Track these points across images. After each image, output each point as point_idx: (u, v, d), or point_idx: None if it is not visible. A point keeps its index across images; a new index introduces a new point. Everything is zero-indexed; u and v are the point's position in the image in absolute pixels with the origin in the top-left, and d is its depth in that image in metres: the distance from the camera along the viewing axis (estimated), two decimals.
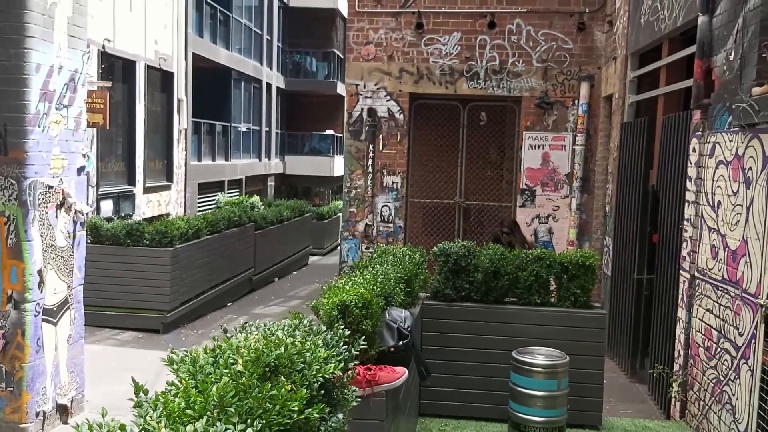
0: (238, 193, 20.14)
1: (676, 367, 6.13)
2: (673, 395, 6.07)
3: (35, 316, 5.75)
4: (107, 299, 9.60)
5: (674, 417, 6.07)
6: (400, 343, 3.80)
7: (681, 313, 6.11)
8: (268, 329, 2.45)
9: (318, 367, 2.06)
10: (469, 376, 5.76)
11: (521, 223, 10.38)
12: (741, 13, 5.25)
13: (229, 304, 12.08)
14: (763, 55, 4.89)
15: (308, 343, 2.19)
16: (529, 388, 5.17)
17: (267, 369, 1.95)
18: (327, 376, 2.08)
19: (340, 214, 21.57)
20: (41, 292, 5.81)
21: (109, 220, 11.01)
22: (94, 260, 8.45)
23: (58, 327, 6.09)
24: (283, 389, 1.79)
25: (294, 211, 16.59)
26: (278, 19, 24.53)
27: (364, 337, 2.87)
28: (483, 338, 5.74)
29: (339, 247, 11.33)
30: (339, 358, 2.25)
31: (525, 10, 10.22)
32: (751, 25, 5.06)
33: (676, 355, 6.17)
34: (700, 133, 5.95)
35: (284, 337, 2.18)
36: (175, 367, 2.02)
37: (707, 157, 5.78)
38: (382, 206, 10.66)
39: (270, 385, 1.80)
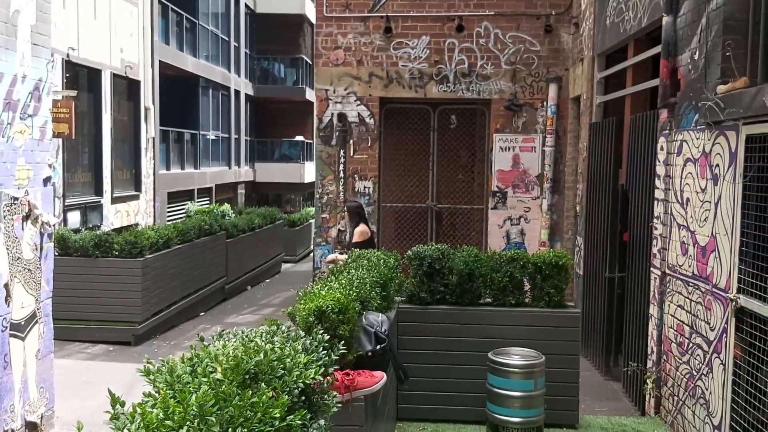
0: (208, 202, 19.96)
1: (649, 364, 6.19)
2: (647, 392, 6.14)
3: (2, 331, 5.62)
4: (76, 312, 9.42)
5: (649, 413, 6.13)
6: (378, 347, 3.78)
7: (653, 310, 6.18)
8: (246, 336, 2.41)
9: (298, 372, 2.02)
10: (446, 379, 5.75)
11: (493, 226, 10.45)
12: (704, 12, 5.34)
13: (201, 313, 11.94)
14: (727, 54, 4.97)
15: (287, 348, 2.16)
16: (506, 389, 5.18)
17: (247, 376, 1.92)
18: (308, 381, 2.05)
19: (312, 221, 21.51)
20: (8, 306, 5.68)
21: (76, 231, 10.82)
22: (63, 272, 8.29)
23: (26, 342, 5.96)
24: (264, 396, 1.75)
25: (265, 218, 16.48)
26: (245, 26, 24.39)
27: (342, 342, 2.83)
28: (459, 340, 5.74)
29: (312, 254, 11.27)
30: (319, 363, 2.22)
31: (492, 13, 10.30)
32: (715, 24, 5.14)
33: (649, 351, 6.23)
34: (667, 131, 6.03)
35: (263, 343, 2.15)
36: (151, 377, 1.97)
37: (675, 155, 5.86)
38: None
39: (251, 392, 1.77)
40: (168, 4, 17.69)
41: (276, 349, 2.10)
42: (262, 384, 1.89)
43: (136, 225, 15.17)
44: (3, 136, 5.65)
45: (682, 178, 5.68)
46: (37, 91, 6.15)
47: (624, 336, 6.97)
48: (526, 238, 10.37)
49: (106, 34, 14.15)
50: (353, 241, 8.48)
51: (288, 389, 1.93)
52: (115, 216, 14.47)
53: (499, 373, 5.21)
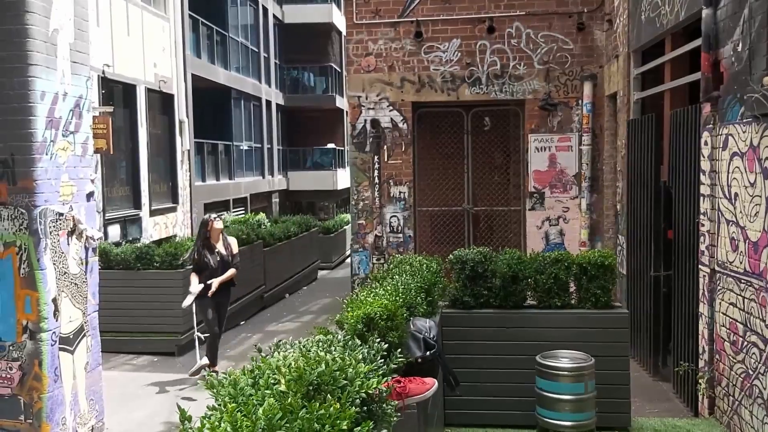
0: (243, 212, 20.12)
1: (701, 364, 6.05)
2: (700, 392, 5.99)
3: (52, 345, 5.70)
4: (120, 324, 9.53)
5: (703, 414, 5.99)
6: (428, 353, 3.74)
7: (703, 309, 6.03)
8: (304, 346, 2.39)
9: (360, 382, 2.00)
10: (493, 383, 5.68)
11: (531, 227, 10.33)
12: (746, 3, 5.21)
13: (242, 323, 12.01)
14: None
15: (348, 358, 2.13)
16: (556, 393, 5.11)
17: (310, 387, 1.90)
18: (370, 391, 2.02)
19: (346, 228, 21.60)
20: (56, 320, 5.76)
21: (117, 244, 10.97)
22: (105, 285, 8.35)
23: (75, 355, 6.04)
24: (331, 408, 1.73)
25: (301, 226, 16.53)
26: (274, 36, 24.59)
27: (398, 350, 2.80)
28: (505, 344, 5.67)
29: (350, 260, 11.28)
30: (380, 372, 2.19)
31: (523, 13, 10.21)
32: (758, 14, 5.02)
33: (700, 351, 6.09)
34: (711, 125, 5.90)
35: (323, 353, 2.12)
36: (214, 390, 1.96)
37: (720, 149, 5.73)
38: (391, 217, 10.62)
39: (318, 404, 1.75)
40: (198, 18, 17.92)
41: (337, 359, 2.08)
42: (328, 395, 1.86)
43: (174, 236, 15.36)
44: (47, 154, 5.74)
45: (729, 172, 5.54)
46: (78, 108, 6.23)
47: (672, 335, 6.83)
48: (566, 239, 10.23)
49: (139, 50, 14.38)
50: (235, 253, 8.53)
51: (351, 400, 1.91)
52: (153, 228, 14.67)
53: (548, 377, 5.14)
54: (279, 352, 2.35)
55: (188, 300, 8.21)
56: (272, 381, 1.93)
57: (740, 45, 5.35)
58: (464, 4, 10.29)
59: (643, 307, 7.67)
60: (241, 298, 12.13)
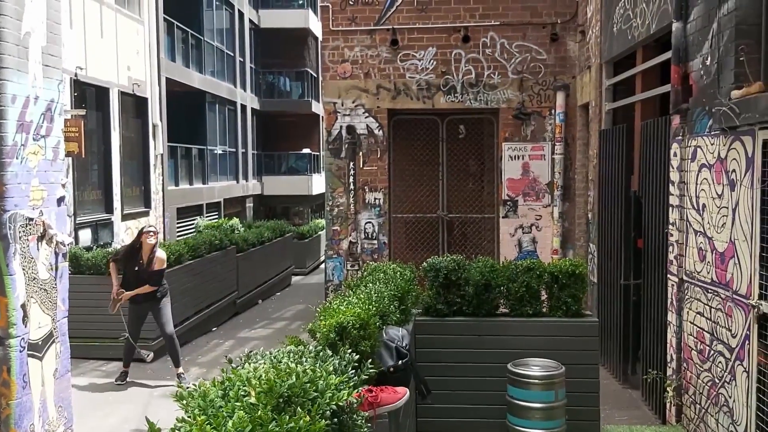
0: (216, 216, 19.98)
1: (669, 372, 6.14)
2: (668, 400, 6.08)
3: (20, 351, 5.61)
4: (90, 330, 9.42)
5: (670, 421, 6.08)
6: (400, 362, 3.76)
7: (671, 317, 6.13)
8: (275, 357, 2.40)
9: (331, 394, 2.01)
10: (464, 391, 5.72)
11: (505, 235, 10.42)
12: (715, 18, 5.32)
13: (214, 329, 11.92)
14: (741, 59, 4.95)
15: (319, 370, 2.14)
16: (527, 401, 5.15)
17: (281, 400, 1.90)
18: (340, 403, 2.03)
19: (321, 233, 21.55)
20: (25, 326, 5.68)
21: (88, 249, 10.83)
22: (75, 291, 8.23)
23: (43, 361, 5.95)
24: (301, 421, 1.74)
25: (275, 231, 16.47)
26: (250, 41, 24.50)
27: (369, 360, 2.82)
28: (477, 352, 5.71)
29: (324, 266, 11.25)
30: (350, 384, 2.20)
31: (498, 23, 10.31)
32: (726, 29, 5.13)
33: (668, 359, 6.18)
34: (680, 137, 6.01)
35: (294, 365, 2.13)
36: (184, 402, 1.96)
37: (689, 161, 5.84)
38: (366, 223, 10.64)
39: (287, 417, 1.75)
40: (173, 21, 17.80)
41: (308, 370, 2.08)
42: (298, 408, 1.87)
43: None
44: (17, 158, 5.66)
45: (697, 183, 5.65)
46: (50, 112, 6.16)
47: (642, 343, 6.92)
48: (539, 246, 10.34)
49: (113, 53, 14.24)
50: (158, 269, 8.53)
51: (321, 412, 1.92)
52: (125, 233, 14.50)
53: (519, 385, 5.18)
54: (250, 363, 2.35)
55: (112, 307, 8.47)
56: (242, 393, 1.93)
57: (709, 59, 5.46)
58: (440, 13, 10.37)
59: (614, 314, 7.78)
60: (214, 303, 12.06)
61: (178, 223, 17.56)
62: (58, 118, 6.34)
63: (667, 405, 6.14)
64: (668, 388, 6.05)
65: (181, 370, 8.56)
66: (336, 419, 2.05)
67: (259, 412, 1.75)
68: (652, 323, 6.60)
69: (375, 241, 10.65)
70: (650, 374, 6.44)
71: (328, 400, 1.98)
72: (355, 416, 2.27)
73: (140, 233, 8.64)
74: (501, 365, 5.40)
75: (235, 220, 16.84)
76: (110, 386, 8.47)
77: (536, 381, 5.15)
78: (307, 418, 1.79)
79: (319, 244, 21.57)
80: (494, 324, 5.75)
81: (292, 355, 2.44)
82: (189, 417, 1.82)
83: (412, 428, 5.43)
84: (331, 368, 2.28)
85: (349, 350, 2.70)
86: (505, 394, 5.33)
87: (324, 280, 11.07)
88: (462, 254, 6.14)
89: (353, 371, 2.42)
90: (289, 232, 18.36)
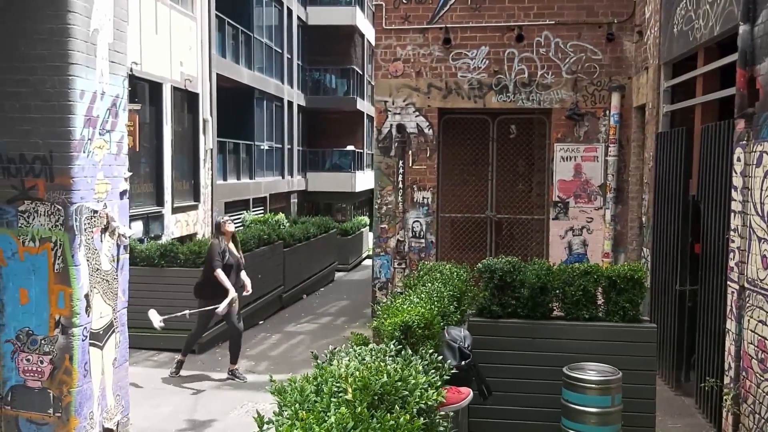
0: (262, 211, 20.23)
1: (726, 380, 6.02)
2: (725, 408, 5.97)
3: (83, 340, 5.78)
4: (143, 320, 9.61)
5: (726, 430, 5.96)
6: (463, 362, 3.77)
7: (730, 325, 6.01)
8: (359, 354, 2.43)
9: (419, 393, 2.03)
10: (519, 393, 5.69)
11: (554, 236, 10.32)
12: None
13: (260, 322, 12.08)
14: None
15: (409, 369, 2.17)
16: (583, 405, 5.11)
17: (375, 397, 1.93)
18: (430, 402, 2.06)
19: (364, 230, 21.63)
20: (88, 316, 5.84)
21: (140, 241, 11.07)
22: (129, 282, 8.48)
23: (104, 351, 6.12)
24: (402, 419, 1.77)
25: (320, 227, 16.60)
26: (297, 38, 24.71)
27: (449, 362, 2.83)
28: (532, 354, 5.67)
29: (371, 263, 11.30)
30: (437, 384, 2.23)
31: (553, 22, 10.22)
32: None
33: (726, 367, 6.06)
34: (744, 142, 5.88)
35: (378, 363, 2.16)
36: (282, 396, 2.00)
37: (754, 166, 5.71)
38: (413, 222, 10.65)
39: (387, 414, 1.78)
40: (225, 18, 18.05)
41: (398, 369, 2.11)
42: (396, 406, 1.90)
43: (195, 234, 15.47)
44: (84, 152, 5.82)
45: (762, 189, 5.52)
46: (115, 107, 6.32)
47: (697, 351, 6.80)
48: (589, 249, 10.22)
49: (166, 49, 14.51)
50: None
51: (413, 410, 1.95)
52: (175, 225, 14.78)
53: (575, 389, 5.14)
54: (337, 360, 2.38)
55: (224, 306, 8.35)
56: (335, 389, 1.97)
57: None
58: (493, 11, 10.32)
59: (667, 320, 7.65)
60: (261, 297, 12.20)
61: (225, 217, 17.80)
62: (123, 113, 6.50)
63: (724, 414, 6.02)
64: (726, 397, 5.94)
65: (237, 366, 8.62)
66: (422, 418, 2.07)
67: (358, 408, 1.78)
68: (709, 330, 6.48)
69: (422, 240, 10.65)
70: (708, 382, 6.32)
71: (417, 399, 2.01)
72: (434, 415, 2.29)
73: (218, 228, 8.67)
74: (556, 369, 5.36)
75: (281, 216, 17.03)
76: (162, 375, 8.65)
77: (593, 385, 5.10)
78: (407, 416, 1.81)
79: (362, 241, 21.66)
80: (550, 327, 5.70)
81: (374, 353, 2.47)
82: (284, 411, 1.86)
83: (465, 428, 5.43)
84: (420, 368, 2.30)
85: (431, 351, 2.72)
86: (560, 397, 5.29)
87: (371, 278, 11.11)
88: (510, 255, 6.11)
89: (434, 371, 2.45)
90: (333, 228, 18.47)
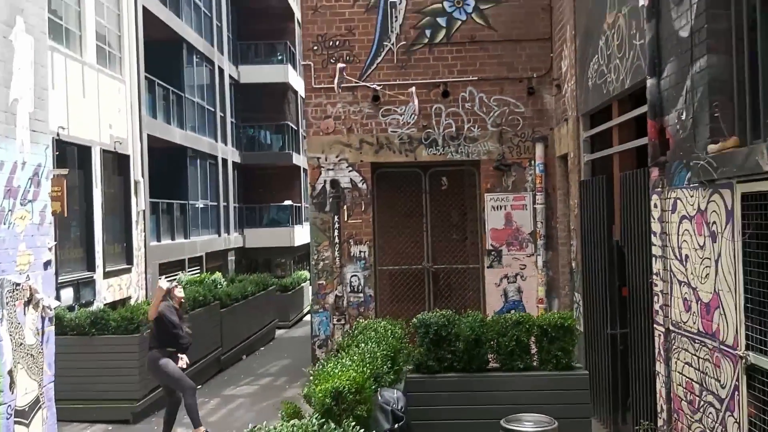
0: (199, 271, 19.86)
1: (660, 422, 6.16)
2: None
3: (7, 418, 5.52)
4: (73, 392, 9.22)
5: None
6: (396, 426, 3.76)
7: (659, 367, 6.17)
8: None
9: None
10: None
11: (490, 284, 10.47)
12: (688, 74, 5.51)
13: (199, 386, 11.72)
14: (715, 114, 5.11)
15: None
16: None
17: None
18: None
19: (304, 285, 21.45)
20: (12, 393, 5.60)
21: (70, 308, 10.71)
22: (58, 352, 8.13)
23: (30, 428, 5.85)
24: None
25: (258, 285, 16.39)
26: (230, 96, 24.78)
27: (360, 427, 2.82)
28: (469, 408, 5.70)
29: (310, 321, 11.20)
30: None
31: (476, 78, 10.56)
32: (700, 86, 5.31)
33: (658, 409, 6.20)
34: (659, 189, 6.14)
35: None
36: None
37: (669, 212, 5.96)
38: (351, 276, 10.65)
39: None
40: (154, 79, 17.98)
41: None
42: None
43: (129, 298, 15.06)
44: (4, 223, 5.67)
45: (679, 235, 5.76)
46: (37, 176, 6.20)
47: (631, 393, 6.94)
48: (524, 296, 10.40)
49: (95, 112, 14.32)
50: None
51: None
52: (107, 290, 14.37)
53: None
54: None
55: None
56: None
57: (684, 114, 5.63)
58: (419, 69, 10.62)
59: (601, 363, 7.80)
60: (199, 361, 11.90)
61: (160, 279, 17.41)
62: (45, 181, 6.38)
63: None
64: None
65: (203, 429, 8.39)
66: None
67: None
68: (641, 373, 6.63)
69: (361, 294, 10.65)
70: (642, 425, 6.44)
71: None
72: None
73: (168, 293, 8.52)
74: (494, 421, 5.39)
75: (218, 275, 16.75)
76: None
77: None
78: None
79: (303, 296, 21.46)
80: (486, 379, 5.76)
81: (295, 429, 2.45)
82: None
83: None
84: None
85: (354, 423, 2.71)
86: None
87: (310, 335, 11.00)
88: (448, 305, 6.20)
89: None
90: (272, 285, 18.27)
